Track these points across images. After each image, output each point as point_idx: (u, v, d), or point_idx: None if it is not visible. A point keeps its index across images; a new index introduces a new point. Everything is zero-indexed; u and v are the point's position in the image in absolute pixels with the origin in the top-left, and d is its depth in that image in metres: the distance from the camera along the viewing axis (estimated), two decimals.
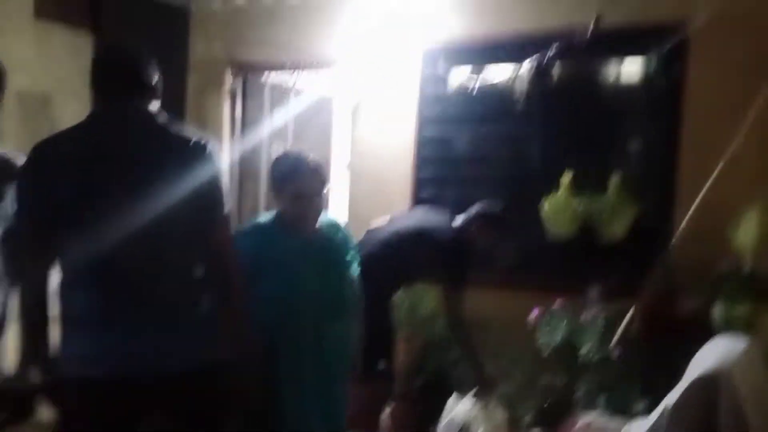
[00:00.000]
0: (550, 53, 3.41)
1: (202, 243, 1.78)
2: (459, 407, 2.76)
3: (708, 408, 2.07)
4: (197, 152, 1.76)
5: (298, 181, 2.12)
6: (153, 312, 1.70)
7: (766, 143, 2.94)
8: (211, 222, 1.78)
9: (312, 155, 2.18)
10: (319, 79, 4.50)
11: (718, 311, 2.68)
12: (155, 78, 1.89)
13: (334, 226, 2.31)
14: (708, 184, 2.90)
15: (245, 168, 4.55)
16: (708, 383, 2.10)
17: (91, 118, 1.81)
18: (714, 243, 2.81)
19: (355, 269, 2.32)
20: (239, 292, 1.82)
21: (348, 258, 2.29)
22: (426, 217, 3.14)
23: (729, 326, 2.59)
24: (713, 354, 2.26)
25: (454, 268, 2.89)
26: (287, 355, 2.12)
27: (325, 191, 2.18)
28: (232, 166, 4.49)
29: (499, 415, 2.82)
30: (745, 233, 2.68)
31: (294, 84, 4.58)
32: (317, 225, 2.22)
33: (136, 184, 1.69)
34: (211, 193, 1.77)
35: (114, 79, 1.86)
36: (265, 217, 2.27)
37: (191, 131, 1.83)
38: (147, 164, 1.72)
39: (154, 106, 1.86)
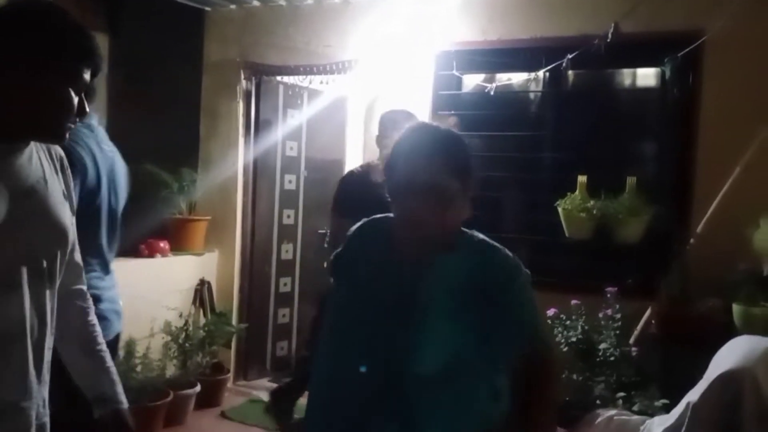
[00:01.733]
0: (567, 61, 3.47)
1: None
2: None
3: (730, 406, 2.13)
4: None
5: (400, 172, 1.37)
6: None
7: None
8: None
9: (449, 132, 1.43)
10: (333, 79, 4.55)
11: (737, 312, 2.78)
12: None
13: (478, 250, 1.44)
14: (725, 188, 3.01)
15: (260, 167, 4.60)
16: (730, 381, 2.16)
17: None
18: (730, 246, 2.91)
19: (513, 317, 1.41)
20: None
21: (490, 301, 1.38)
22: None
23: (748, 327, 2.69)
24: (735, 353, 2.33)
25: None
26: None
27: (451, 194, 1.35)
28: (246, 165, 4.54)
29: None
30: (763, 237, 2.77)
31: (309, 84, 4.63)
32: (447, 244, 1.40)
33: None
34: None
35: None
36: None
37: None
38: None
39: None
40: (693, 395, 2.22)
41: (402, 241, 1.41)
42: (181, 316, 4.02)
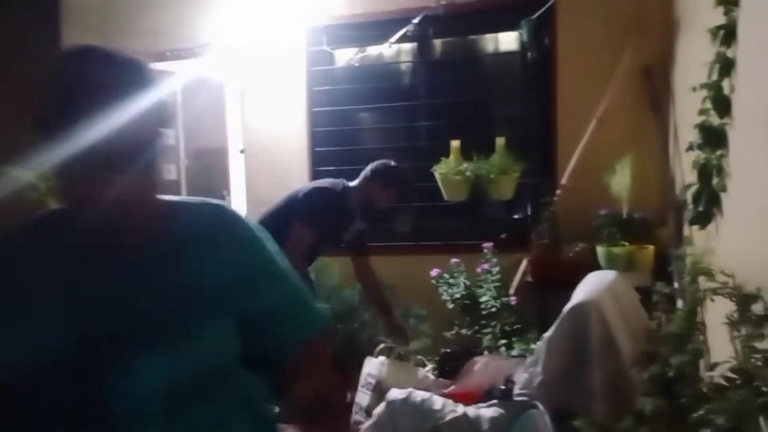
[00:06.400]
0: (410, 28, 3.56)
1: None
2: (372, 366, 2.85)
3: (580, 336, 2.20)
4: None
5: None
6: None
7: (631, 102, 3.28)
8: None
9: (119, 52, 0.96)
10: (205, 63, 4.41)
11: (600, 253, 2.98)
12: None
13: (202, 214, 1.05)
14: (583, 140, 3.20)
15: None
16: (578, 313, 2.23)
17: None
18: (592, 193, 3.09)
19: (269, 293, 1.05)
20: None
21: (233, 280, 1.00)
22: (321, 180, 3.12)
23: (611, 265, 2.89)
24: (585, 287, 2.47)
25: (354, 223, 2.95)
26: None
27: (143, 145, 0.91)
28: None
29: (410, 367, 2.97)
30: (619, 182, 2.96)
31: (178, 70, 4.46)
32: (157, 214, 1.00)
33: None
34: None
35: None
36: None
37: None
38: None
39: None
40: (550, 330, 2.31)
41: (93, 231, 0.94)
42: None
